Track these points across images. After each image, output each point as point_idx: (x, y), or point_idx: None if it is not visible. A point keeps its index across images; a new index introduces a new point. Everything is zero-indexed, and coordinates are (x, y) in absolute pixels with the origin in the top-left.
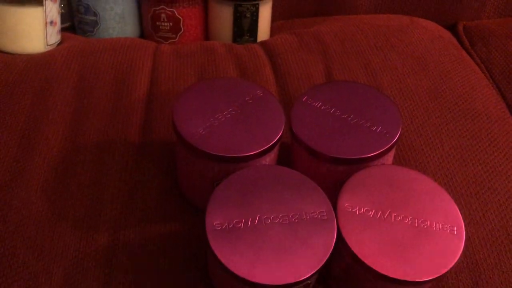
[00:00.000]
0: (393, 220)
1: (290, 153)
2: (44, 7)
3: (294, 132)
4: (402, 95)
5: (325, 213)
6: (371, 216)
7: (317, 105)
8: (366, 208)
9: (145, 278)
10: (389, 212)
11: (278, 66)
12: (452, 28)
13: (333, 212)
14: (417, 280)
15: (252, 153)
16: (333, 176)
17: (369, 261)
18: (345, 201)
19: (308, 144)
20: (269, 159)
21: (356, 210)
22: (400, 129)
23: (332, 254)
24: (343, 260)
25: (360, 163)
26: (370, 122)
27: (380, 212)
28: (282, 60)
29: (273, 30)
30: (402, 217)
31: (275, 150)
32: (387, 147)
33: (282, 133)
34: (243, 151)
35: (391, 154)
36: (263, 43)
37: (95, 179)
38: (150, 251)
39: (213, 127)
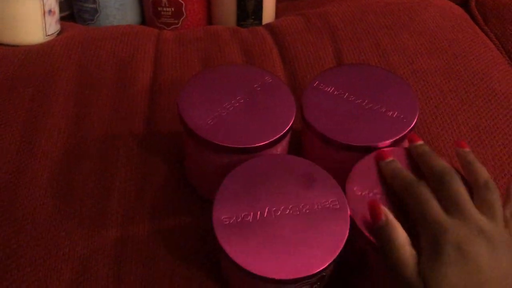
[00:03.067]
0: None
1: (301, 140)
2: None
3: (306, 119)
4: (415, 75)
5: (337, 202)
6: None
7: (330, 90)
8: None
9: (155, 273)
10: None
11: (285, 49)
12: (464, 4)
13: (346, 201)
14: None
15: (263, 143)
16: (347, 164)
17: None
18: (354, 186)
19: (321, 131)
20: (280, 148)
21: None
22: (418, 113)
23: (346, 243)
24: (357, 248)
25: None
26: (385, 107)
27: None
28: (289, 43)
29: (279, 12)
30: None
31: (287, 139)
32: (404, 133)
33: (293, 121)
34: (253, 141)
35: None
36: (268, 26)
37: (101, 174)
38: (159, 245)
39: (221, 117)
